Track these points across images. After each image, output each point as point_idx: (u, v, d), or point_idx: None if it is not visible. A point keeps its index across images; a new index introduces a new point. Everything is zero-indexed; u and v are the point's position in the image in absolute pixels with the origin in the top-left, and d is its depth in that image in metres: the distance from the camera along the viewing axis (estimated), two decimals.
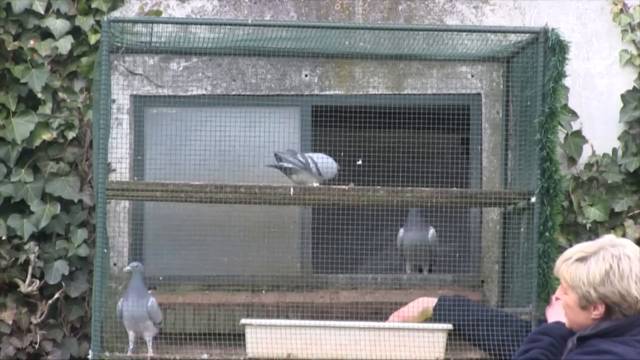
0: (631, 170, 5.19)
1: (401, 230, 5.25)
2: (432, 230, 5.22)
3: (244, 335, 4.58)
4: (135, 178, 5.12)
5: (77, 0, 5.25)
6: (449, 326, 4.43)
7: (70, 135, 5.17)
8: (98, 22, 5.18)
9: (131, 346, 4.75)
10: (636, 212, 5.19)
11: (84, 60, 5.22)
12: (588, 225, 5.17)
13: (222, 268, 5.17)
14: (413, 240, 5.21)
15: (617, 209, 5.18)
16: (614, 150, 5.24)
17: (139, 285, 4.77)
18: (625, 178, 5.20)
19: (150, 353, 4.72)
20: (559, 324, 3.40)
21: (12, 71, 5.16)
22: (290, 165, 4.91)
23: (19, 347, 5.12)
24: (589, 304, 3.15)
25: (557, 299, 3.88)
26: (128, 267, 4.79)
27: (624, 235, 5.12)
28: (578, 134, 5.23)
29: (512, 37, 4.88)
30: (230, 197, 4.73)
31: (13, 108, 5.18)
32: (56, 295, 5.13)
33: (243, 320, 4.58)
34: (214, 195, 4.72)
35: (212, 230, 5.04)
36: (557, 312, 3.67)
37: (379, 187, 4.79)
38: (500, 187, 5.13)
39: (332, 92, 5.25)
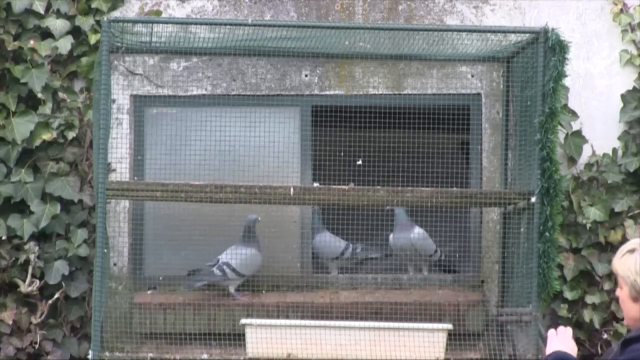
0: (631, 170, 5.19)
1: (390, 236, 5.26)
2: (416, 229, 5.21)
3: (244, 335, 4.59)
4: (135, 178, 5.12)
5: (77, 0, 5.24)
6: (449, 326, 4.43)
7: (70, 135, 5.17)
8: (98, 22, 5.19)
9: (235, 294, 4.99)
10: (636, 212, 5.19)
11: (84, 60, 5.22)
12: (588, 225, 5.16)
13: None
14: (398, 241, 5.21)
15: (617, 209, 5.18)
16: (614, 150, 5.24)
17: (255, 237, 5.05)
18: (625, 178, 5.20)
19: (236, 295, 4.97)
20: (565, 353, 3.39)
21: (12, 71, 5.16)
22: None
23: (19, 347, 5.12)
24: (638, 294, 3.16)
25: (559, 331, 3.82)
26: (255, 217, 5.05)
27: (624, 235, 5.12)
28: (578, 134, 5.23)
29: (512, 37, 4.88)
30: (230, 197, 4.73)
31: (13, 108, 5.17)
32: (56, 295, 5.13)
33: (243, 320, 4.59)
34: (214, 195, 4.72)
35: (212, 230, 5.04)
36: (558, 342, 3.64)
37: (379, 187, 4.79)
38: (500, 187, 5.13)
39: (332, 92, 5.25)
